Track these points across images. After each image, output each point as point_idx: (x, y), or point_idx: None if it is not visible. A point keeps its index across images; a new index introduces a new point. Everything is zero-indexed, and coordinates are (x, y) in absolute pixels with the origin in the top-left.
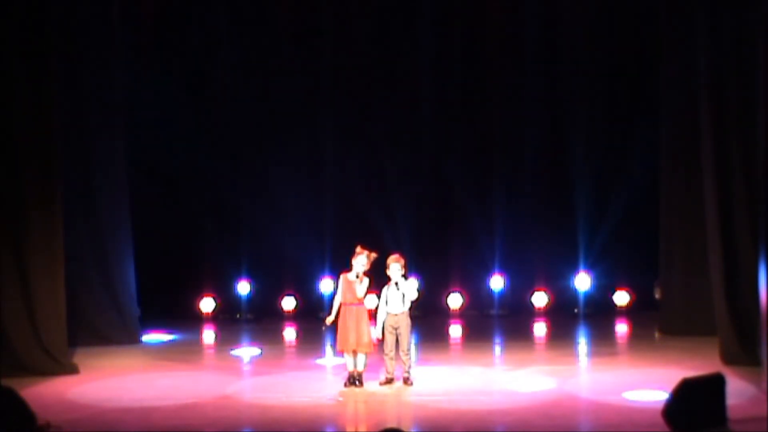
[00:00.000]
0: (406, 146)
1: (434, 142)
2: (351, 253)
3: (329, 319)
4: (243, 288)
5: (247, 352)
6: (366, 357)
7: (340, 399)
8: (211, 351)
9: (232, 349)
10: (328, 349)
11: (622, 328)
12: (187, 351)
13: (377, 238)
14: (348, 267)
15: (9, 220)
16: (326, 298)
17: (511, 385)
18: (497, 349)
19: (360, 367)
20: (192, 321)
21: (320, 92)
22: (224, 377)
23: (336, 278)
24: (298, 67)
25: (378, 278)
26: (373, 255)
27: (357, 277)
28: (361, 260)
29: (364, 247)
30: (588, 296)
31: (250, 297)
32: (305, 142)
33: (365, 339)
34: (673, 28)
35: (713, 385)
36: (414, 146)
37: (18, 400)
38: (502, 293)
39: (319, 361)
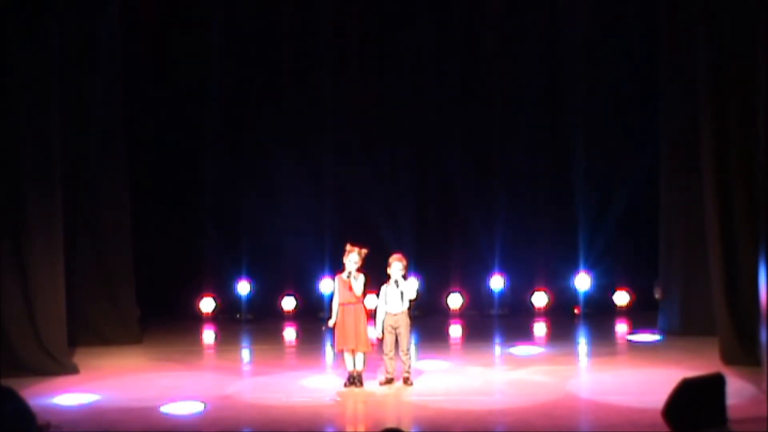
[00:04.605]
0: (406, 146)
1: (434, 142)
2: (342, 253)
3: (330, 322)
4: (243, 288)
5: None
6: (365, 356)
7: (340, 399)
8: (211, 351)
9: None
10: (328, 349)
11: (622, 328)
12: (187, 351)
13: (377, 238)
14: (343, 268)
15: (9, 220)
16: (326, 299)
17: (511, 385)
18: (497, 349)
19: (359, 367)
20: (192, 321)
21: (321, 92)
22: (224, 377)
23: (334, 279)
24: (298, 67)
25: (376, 277)
26: (364, 251)
27: (350, 275)
28: (353, 258)
29: (353, 244)
30: (588, 296)
31: (250, 297)
32: (306, 141)
33: (363, 338)
34: (673, 28)
35: (713, 385)
36: (414, 146)
37: (18, 400)
38: (502, 293)
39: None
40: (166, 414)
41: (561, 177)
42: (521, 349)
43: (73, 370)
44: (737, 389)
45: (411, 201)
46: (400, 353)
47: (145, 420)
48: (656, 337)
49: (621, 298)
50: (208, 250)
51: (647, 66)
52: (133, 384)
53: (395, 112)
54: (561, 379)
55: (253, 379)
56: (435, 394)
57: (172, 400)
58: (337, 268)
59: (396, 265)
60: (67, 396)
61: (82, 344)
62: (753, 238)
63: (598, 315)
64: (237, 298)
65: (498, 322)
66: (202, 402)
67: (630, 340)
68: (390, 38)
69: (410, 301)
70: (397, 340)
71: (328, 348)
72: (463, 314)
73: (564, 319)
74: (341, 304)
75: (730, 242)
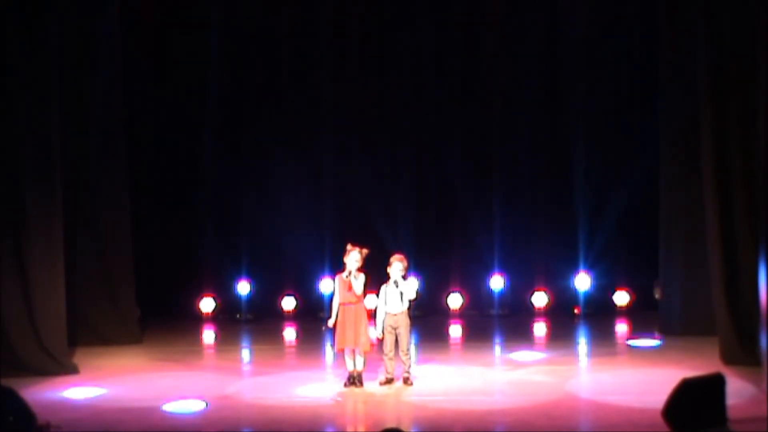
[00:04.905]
0: (406, 146)
1: (434, 142)
2: (343, 253)
3: (330, 322)
4: (243, 288)
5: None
6: (365, 356)
7: (340, 399)
8: (211, 351)
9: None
10: (328, 349)
11: (622, 328)
12: (187, 351)
13: (377, 237)
14: (343, 267)
15: (9, 220)
16: (326, 298)
17: (511, 385)
18: (497, 349)
19: (359, 367)
20: (192, 321)
21: (320, 92)
22: (224, 377)
23: (334, 279)
24: (298, 67)
25: (376, 277)
26: (365, 251)
27: (350, 274)
28: (354, 256)
29: (354, 244)
30: (588, 296)
31: (250, 297)
32: (305, 141)
33: (363, 338)
34: (673, 28)
35: (713, 385)
36: (414, 146)
37: (18, 400)
38: (502, 293)
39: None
40: (167, 414)
41: (561, 177)
42: (522, 355)
43: (73, 370)
44: (737, 389)
45: (411, 201)
46: (400, 353)
47: (145, 420)
48: (656, 343)
49: (621, 298)
50: (208, 250)
51: (647, 66)
52: (133, 384)
53: (395, 112)
54: (561, 379)
55: (253, 379)
56: (435, 394)
57: (172, 400)
58: (337, 268)
59: (396, 266)
60: (67, 395)
61: (82, 344)
62: (753, 238)
63: (598, 315)
64: (237, 298)
65: (498, 322)
66: (204, 400)
67: (630, 345)
68: (390, 38)
69: (410, 301)
70: (397, 340)
71: (328, 348)
72: (463, 314)
73: (564, 319)
74: (341, 304)
75: (730, 242)
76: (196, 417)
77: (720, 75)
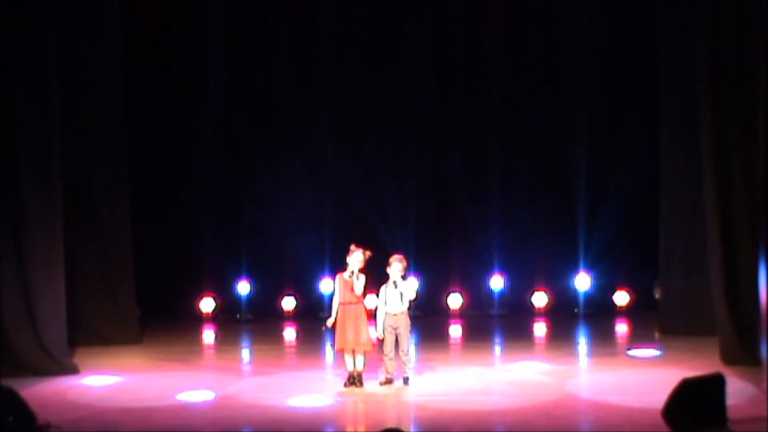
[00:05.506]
0: (406, 146)
1: (434, 142)
2: (346, 253)
3: (330, 321)
4: (243, 288)
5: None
6: (365, 357)
7: (340, 399)
8: (211, 351)
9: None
10: (328, 349)
11: (622, 328)
12: (187, 351)
13: (377, 238)
14: (344, 267)
15: (9, 220)
16: (326, 298)
17: (511, 385)
18: (497, 349)
19: (359, 367)
20: (192, 321)
21: (319, 92)
22: (224, 377)
23: (334, 279)
24: (298, 67)
25: (376, 278)
26: (368, 253)
27: (352, 274)
28: (357, 257)
29: (358, 245)
30: (588, 296)
31: (250, 297)
32: (305, 141)
33: (364, 338)
34: (672, 27)
35: (713, 385)
36: (414, 146)
37: (18, 400)
38: (502, 293)
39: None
40: (166, 413)
41: (561, 177)
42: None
43: (73, 370)
44: (737, 389)
45: (411, 201)
46: (400, 353)
47: (145, 420)
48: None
49: (621, 298)
50: (208, 250)
51: (647, 66)
52: (133, 384)
53: (395, 112)
54: (561, 379)
55: (253, 379)
56: (435, 394)
57: (172, 400)
58: (337, 268)
59: (396, 266)
60: (67, 396)
61: (82, 344)
62: (753, 238)
63: (598, 315)
64: (237, 298)
65: (498, 322)
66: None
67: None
68: (390, 38)
69: (410, 301)
70: (397, 341)
71: (328, 348)
72: (463, 314)
73: (564, 319)
74: (342, 304)
75: (730, 242)
76: (197, 416)
77: (720, 75)
